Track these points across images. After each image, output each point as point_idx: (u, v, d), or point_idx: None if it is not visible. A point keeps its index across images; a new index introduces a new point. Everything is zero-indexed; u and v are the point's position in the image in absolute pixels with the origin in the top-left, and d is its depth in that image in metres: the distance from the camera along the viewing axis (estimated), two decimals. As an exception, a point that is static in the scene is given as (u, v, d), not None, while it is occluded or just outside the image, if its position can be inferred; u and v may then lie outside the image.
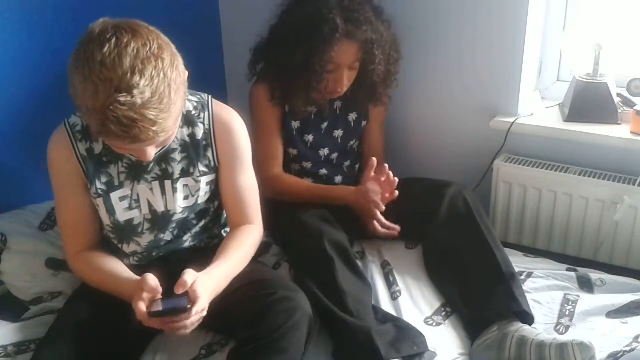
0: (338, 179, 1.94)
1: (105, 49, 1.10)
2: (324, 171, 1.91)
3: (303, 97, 1.78)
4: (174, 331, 1.26)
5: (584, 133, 1.87)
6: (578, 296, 1.61)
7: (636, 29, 1.83)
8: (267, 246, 1.77)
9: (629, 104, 1.91)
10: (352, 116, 1.92)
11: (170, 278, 1.30)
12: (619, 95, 1.93)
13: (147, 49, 1.13)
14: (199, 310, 1.23)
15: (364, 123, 1.94)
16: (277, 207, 1.71)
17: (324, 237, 1.56)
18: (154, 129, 1.13)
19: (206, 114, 1.43)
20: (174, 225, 1.46)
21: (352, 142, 1.95)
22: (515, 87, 1.96)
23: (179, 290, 1.22)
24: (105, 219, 1.42)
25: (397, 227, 1.71)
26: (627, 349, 1.39)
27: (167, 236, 1.47)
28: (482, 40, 1.95)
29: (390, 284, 1.66)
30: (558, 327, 1.52)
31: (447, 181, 1.77)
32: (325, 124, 1.89)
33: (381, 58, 1.75)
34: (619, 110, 1.89)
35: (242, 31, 1.85)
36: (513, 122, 1.94)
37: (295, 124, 1.86)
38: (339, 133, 1.91)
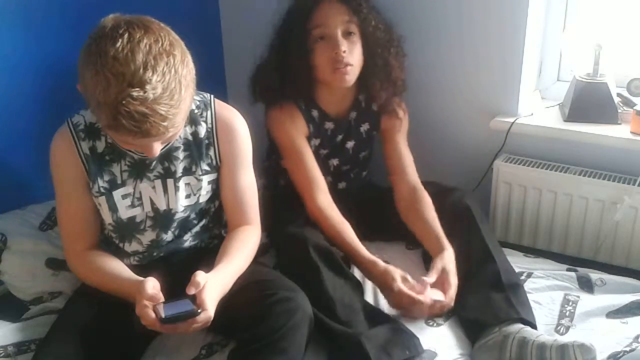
0: (342, 185, 1.92)
1: (118, 44, 1.11)
2: (328, 178, 1.85)
3: (310, 84, 1.75)
4: (175, 332, 1.26)
5: (584, 133, 1.86)
6: (578, 296, 1.61)
7: (636, 29, 1.83)
8: (267, 247, 1.77)
9: (629, 104, 1.91)
10: (364, 127, 1.89)
11: (171, 278, 1.30)
12: (619, 95, 1.93)
13: (159, 45, 1.14)
14: (208, 317, 1.23)
15: (374, 133, 1.92)
16: (267, 213, 1.69)
17: (308, 244, 1.52)
18: (164, 124, 1.14)
19: (209, 113, 1.43)
20: (175, 224, 1.46)
21: (363, 154, 1.93)
22: (515, 87, 1.96)
23: (191, 291, 1.23)
24: (108, 218, 1.42)
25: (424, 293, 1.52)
26: (627, 349, 1.39)
27: (168, 236, 1.47)
28: (481, 40, 1.94)
29: (390, 284, 1.65)
30: (558, 328, 1.52)
31: (449, 186, 1.76)
32: (340, 137, 1.87)
33: (377, 23, 1.74)
34: (619, 110, 1.89)
35: (242, 33, 1.85)
36: (513, 122, 1.94)
37: (315, 142, 1.83)
38: (350, 144, 1.88)
